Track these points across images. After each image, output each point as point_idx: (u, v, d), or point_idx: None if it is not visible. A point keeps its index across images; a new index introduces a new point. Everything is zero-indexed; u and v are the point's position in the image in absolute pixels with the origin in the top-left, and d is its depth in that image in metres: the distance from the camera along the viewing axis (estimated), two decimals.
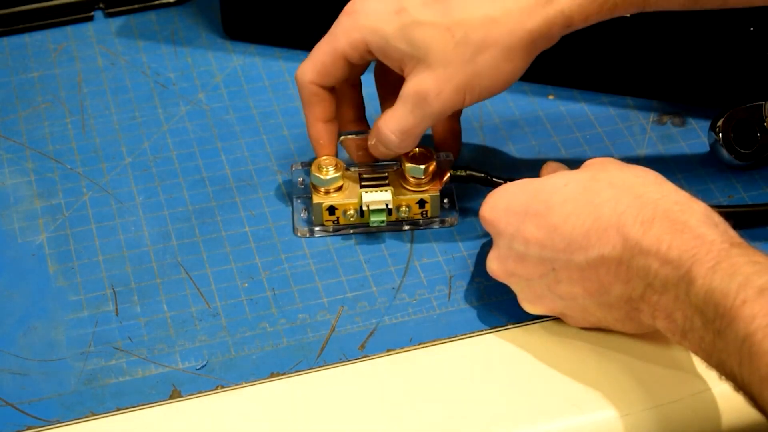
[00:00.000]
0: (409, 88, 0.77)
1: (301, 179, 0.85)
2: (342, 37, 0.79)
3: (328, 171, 0.82)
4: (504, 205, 0.75)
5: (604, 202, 0.70)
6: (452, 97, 0.77)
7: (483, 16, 0.76)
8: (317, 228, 0.83)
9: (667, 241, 0.67)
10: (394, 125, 0.79)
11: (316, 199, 0.82)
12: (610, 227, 0.69)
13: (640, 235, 0.68)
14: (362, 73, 0.83)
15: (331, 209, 0.82)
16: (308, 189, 0.84)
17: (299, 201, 0.85)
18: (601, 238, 0.70)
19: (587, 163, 0.76)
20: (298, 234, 0.83)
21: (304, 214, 0.84)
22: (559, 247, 0.71)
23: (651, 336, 0.76)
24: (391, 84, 0.82)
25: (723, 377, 0.66)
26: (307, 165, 0.84)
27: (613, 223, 0.69)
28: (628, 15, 0.77)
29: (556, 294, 0.73)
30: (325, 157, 0.83)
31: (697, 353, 0.67)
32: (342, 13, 0.80)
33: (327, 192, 0.83)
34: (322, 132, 0.82)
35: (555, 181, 0.74)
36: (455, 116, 0.85)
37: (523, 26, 0.76)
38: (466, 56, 0.76)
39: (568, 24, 0.76)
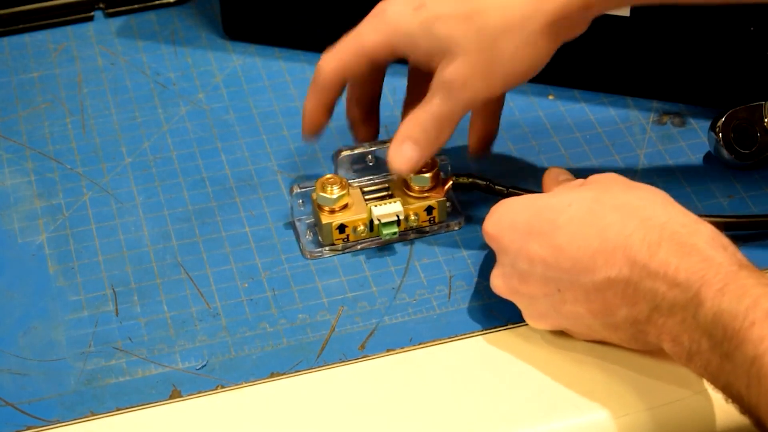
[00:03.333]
0: (436, 80, 0.77)
1: (301, 201, 0.84)
2: (368, 38, 0.78)
3: (333, 189, 0.82)
4: (508, 221, 0.74)
5: (609, 225, 0.70)
6: (477, 85, 0.76)
7: (500, 1, 0.75)
8: (327, 248, 0.83)
9: (675, 263, 0.67)
10: (428, 115, 0.78)
11: (325, 219, 0.82)
12: (616, 250, 0.69)
13: (647, 259, 0.68)
14: (386, 67, 0.83)
15: (341, 227, 0.82)
16: (310, 210, 0.84)
17: (301, 223, 0.84)
18: (607, 260, 0.69)
19: (592, 179, 0.75)
20: (309, 257, 0.82)
21: (309, 236, 0.83)
22: (565, 267, 0.71)
23: None
24: (423, 84, 0.81)
25: (729, 400, 0.66)
26: (306, 187, 0.83)
27: (619, 246, 0.69)
28: (648, 4, 0.76)
29: (560, 313, 0.73)
30: (328, 176, 0.82)
31: (703, 376, 0.67)
32: (369, 15, 0.79)
33: (333, 211, 0.82)
34: (357, 113, 0.82)
35: (560, 200, 0.73)
36: (492, 116, 0.84)
37: (541, 8, 0.75)
38: (486, 43, 0.75)
39: (587, 5, 0.75)
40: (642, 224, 0.69)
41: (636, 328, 0.70)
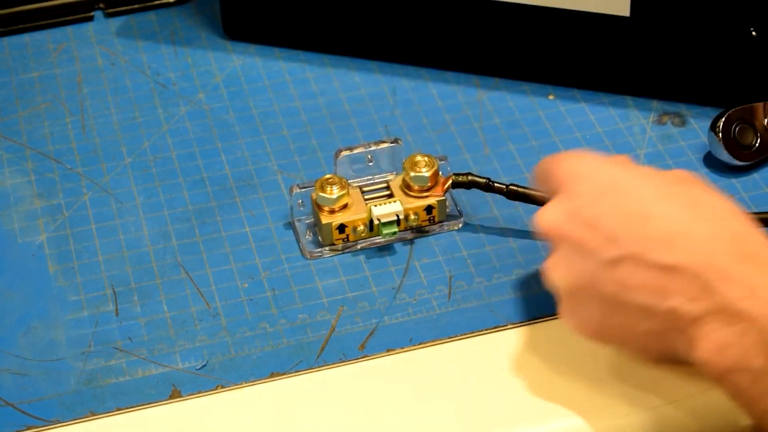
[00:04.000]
0: None
1: (300, 201, 0.84)
2: None
3: (333, 189, 0.82)
4: (590, 215, 0.69)
5: (701, 218, 0.67)
6: None
7: None
8: (327, 248, 0.83)
9: (763, 277, 0.64)
10: None
11: (324, 219, 0.82)
12: (702, 241, 0.66)
13: (731, 261, 0.65)
14: None
15: (341, 227, 0.82)
16: (309, 211, 0.84)
17: (300, 223, 0.84)
18: (688, 246, 0.66)
19: (670, 173, 0.71)
20: (309, 257, 0.82)
21: (309, 236, 0.84)
22: (637, 235, 0.67)
23: None
24: None
25: (759, 428, 0.64)
26: (306, 187, 0.83)
27: (706, 238, 0.66)
28: None
29: (603, 281, 0.68)
30: (327, 176, 0.82)
31: (734, 396, 0.65)
32: None
33: (332, 211, 0.82)
34: None
35: (650, 191, 0.69)
36: None
37: None
38: None
39: None
40: (733, 229, 0.67)
41: (674, 324, 0.67)
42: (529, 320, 0.78)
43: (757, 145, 0.86)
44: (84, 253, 0.83)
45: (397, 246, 0.83)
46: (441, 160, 0.84)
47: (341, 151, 0.83)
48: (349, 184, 0.83)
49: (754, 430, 0.68)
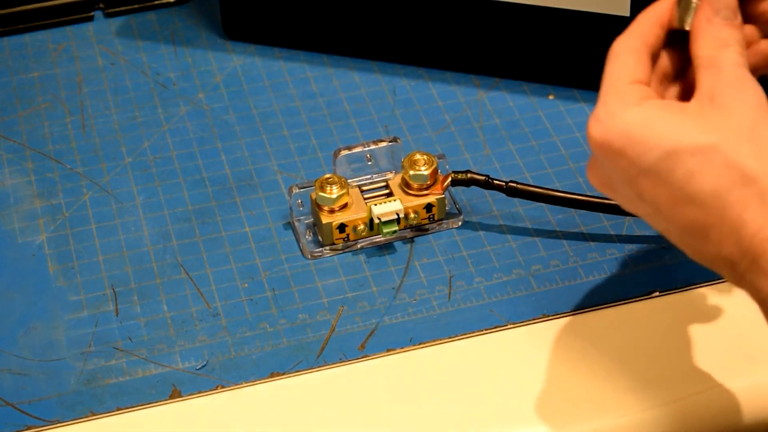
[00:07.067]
0: None
1: (300, 201, 0.84)
2: None
3: (332, 189, 0.82)
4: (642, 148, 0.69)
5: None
6: None
7: None
8: (327, 248, 0.83)
9: None
10: None
11: (325, 219, 0.82)
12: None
13: None
14: None
15: (341, 227, 0.82)
16: (309, 211, 0.84)
17: (300, 223, 0.84)
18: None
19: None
20: (309, 257, 0.83)
21: (309, 236, 0.84)
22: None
23: (651, 337, 0.76)
24: None
25: None
26: (305, 187, 0.83)
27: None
28: None
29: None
30: (327, 176, 0.82)
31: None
32: None
33: (332, 210, 0.82)
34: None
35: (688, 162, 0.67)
36: None
37: None
38: None
39: None
40: None
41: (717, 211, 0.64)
42: (529, 320, 0.78)
43: None
44: (84, 253, 0.83)
45: (397, 246, 0.83)
46: (439, 158, 0.84)
47: (340, 151, 0.84)
48: (348, 184, 0.83)
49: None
